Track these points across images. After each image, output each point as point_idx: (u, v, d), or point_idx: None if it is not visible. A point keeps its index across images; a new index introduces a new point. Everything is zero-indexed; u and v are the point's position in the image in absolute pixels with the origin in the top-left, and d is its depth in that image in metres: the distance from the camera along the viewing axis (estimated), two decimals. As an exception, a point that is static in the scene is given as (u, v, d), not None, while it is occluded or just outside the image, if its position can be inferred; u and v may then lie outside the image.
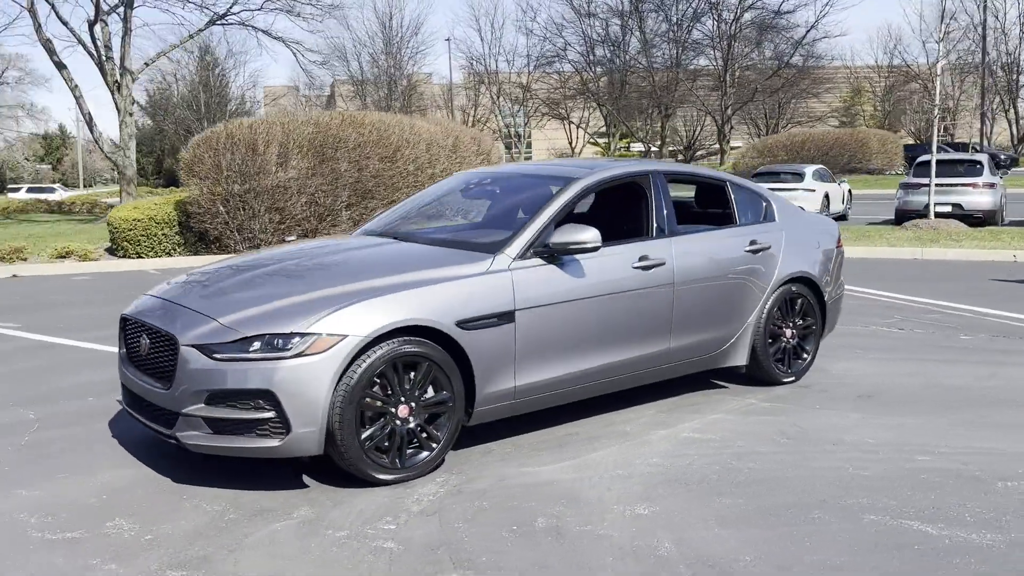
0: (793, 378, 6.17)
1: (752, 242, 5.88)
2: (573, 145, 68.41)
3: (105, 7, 21.72)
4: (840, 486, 4.26)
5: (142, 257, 14.64)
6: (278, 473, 4.49)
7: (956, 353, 7.11)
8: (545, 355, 4.82)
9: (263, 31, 24.71)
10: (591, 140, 69.09)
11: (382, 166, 16.36)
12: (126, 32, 22.32)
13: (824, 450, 4.80)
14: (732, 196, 6.07)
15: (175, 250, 14.99)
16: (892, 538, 3.67)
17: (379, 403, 4.25)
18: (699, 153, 70.59)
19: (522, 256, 4.80)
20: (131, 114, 22.37)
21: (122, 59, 22.17)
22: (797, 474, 4.43)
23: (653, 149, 60.05)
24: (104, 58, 22.21)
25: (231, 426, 4.11)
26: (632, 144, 71.85)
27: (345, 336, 4.11)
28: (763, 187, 6.55)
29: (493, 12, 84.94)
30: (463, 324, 4.45)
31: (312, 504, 4.11)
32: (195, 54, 67.99)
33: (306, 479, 4.43)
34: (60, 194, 50.20)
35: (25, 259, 14.30)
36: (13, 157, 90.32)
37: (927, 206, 17.83)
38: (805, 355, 6.28)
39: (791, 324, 6.15)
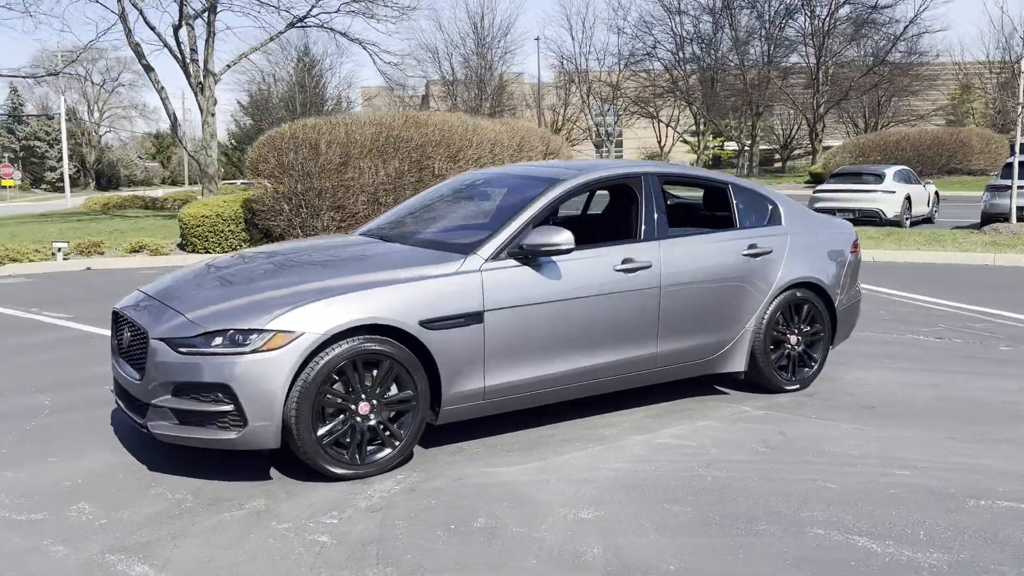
0: (798, 386, 6.01)
1: (751, 246, 5.75)
2: (662, 144, 67.68)
3: (191, 12, 22.61)
4: (800, 498, 4.14)
5: (209, 252, 15.17)
6: (251, 464, 4.63)
7: (990, 365, 6.79)
8: (517, 356, 4.83)
9: (341, 33, 25.34)
10: (681, 139, 68.18)
11: (444, 165, 16.54)
12: (209, 36, 23.19)
13: (801, 461, 4.67)
14: (733, 199, 5.95)
15: (241, 246, 15.50)
16: (831, 554, 3.56)
17: (338, 399, 4.34)
18: (795, 152, 68.89)
19: (495, 257, 4.82)
20: (212, 114, 23.23)
21: (205, 62, 23.05)
22: (761, 485, 4.32)
23: (744, 148, 58.94)
24: (188, 61, 23.13)
25: (195, 417, 4.26)
26: (727, 143, 70.55)
27: (302, 333, 4.21)
28: (771, 190, 6.39)
29: (585, 11, 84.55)
30: (427, 324, 4.50)
31: (268, 496, 4.23)
32: (292, 56, 70.06)
33: (272, 472, 4.55)
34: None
35: (102, 253, 15.01)
36: (127, 155, 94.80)
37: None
38: (812, 363, 6.10)
39: (796, 331, 5.99)
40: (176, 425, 4.31)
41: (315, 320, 4.26)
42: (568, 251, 4.86)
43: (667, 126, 66.38)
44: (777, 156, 69.53)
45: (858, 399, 5.84)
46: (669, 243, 5.45)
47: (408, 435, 4.54)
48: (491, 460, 4.71)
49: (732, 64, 57.55)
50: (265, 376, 4.16)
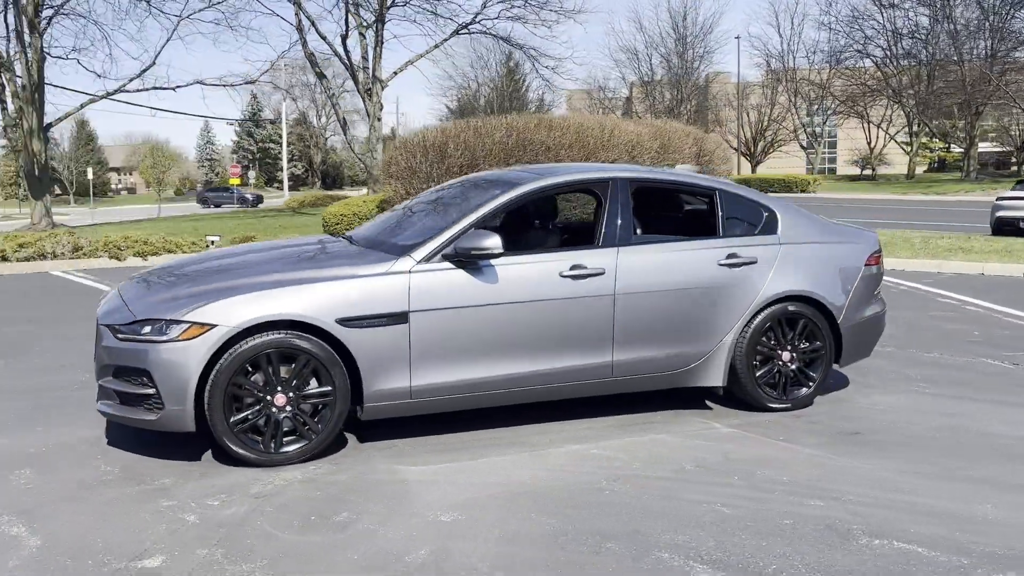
0: (788, 405, 5.65)
1: (731, 255, 5.48)
2: (872, 145, 63.78)
3: (361, 22, 23.92)
4: (678, 521, 3.96)
5: (345, 249, 16.08)
6: (199, 445, 4.95)
7: (1046, 396, 6.08)
8: (447, 358, 4.90)
9: (502, 38, 25.89)
10: (892, 140, 63.90)
11: (576, 168, 16.61)
12: (377, 44, 24.43)
13: (718, 483, 4.43)
14: (720, 206, 5.68)
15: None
16: (652, 579, 3.41)
17: (253, 390, 4.59)
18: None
19: (428, 260, 4.91)
20: (379, 119, 24.47)
21: (373, 69, 24.31)
22: (652, 503, 4.16)
23: (956, 149, 54.33)
24: (357, 68, 24.50)
25: (129, 399, 4.66)
26: (953, 146, 65.31)
27: (215, 325, 4.50)
28: (773, 198, 6.02)
29: (794, 6, 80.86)
30: (346, 321, 4.66)
31: (181, 476, 4.55)
32: (497, 60, 71.98)
33: (207, 455, 4.87)
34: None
35: (253, 247, 16.23)
36: (351, 157, 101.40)
37: None
38: (809, 383, 5.71)
39: (790, 347, 5.64)
40: (117, 405, 4.72)
41: (229, 314, 4.53)
42: (496, 255, 4.88)
43: (877, 127, 62.49)
44: (1013, 159, 63.56)
45: (849, 424, 5.41)
46: (630, 250, 5.30)
47: (325, 429, 4.72)
48: (408, 458, 4.81)
49: (951, 60, 53.30)
50: (179, 364, 4.48)
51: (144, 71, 24.75)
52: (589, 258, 5.20)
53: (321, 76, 24.39)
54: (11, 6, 22.48)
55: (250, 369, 4.60)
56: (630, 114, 68.73)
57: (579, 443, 5.05)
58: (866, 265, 5.91)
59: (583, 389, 5.30)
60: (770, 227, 5.72)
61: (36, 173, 24.15)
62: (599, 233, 5.34)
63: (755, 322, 5.52)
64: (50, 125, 25.17)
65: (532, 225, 6.19)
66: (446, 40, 25.48)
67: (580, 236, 6.07)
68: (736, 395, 5.69)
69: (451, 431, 5.24)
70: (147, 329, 4.58)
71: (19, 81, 23.31)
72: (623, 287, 5.21)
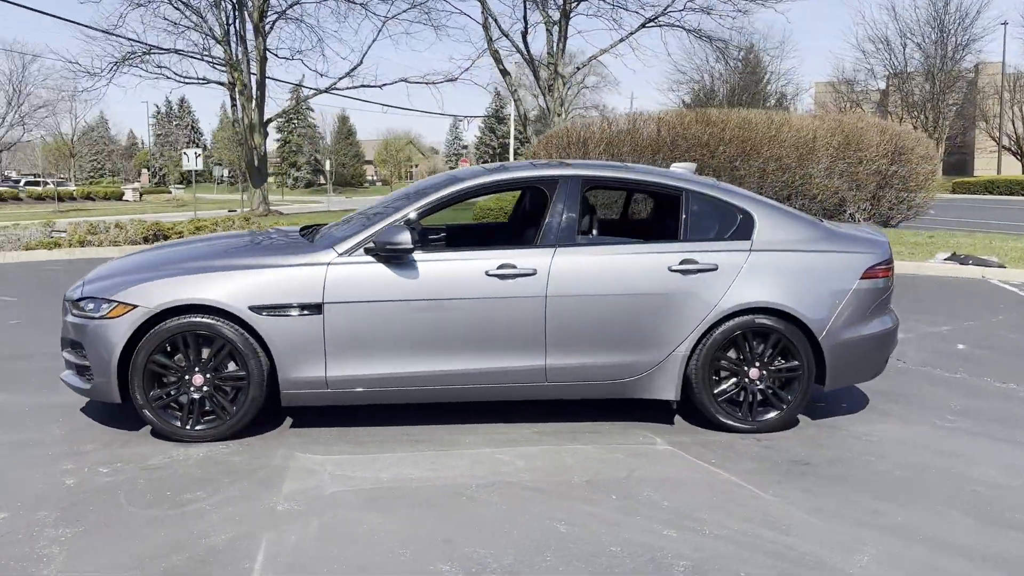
0: (752, 427, 5.17)
1: (685, 260, 5.09)
2: None
3: (548, 18, 24.13)
4: (501, 535, 3.78)
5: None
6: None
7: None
8: (364, 351, 4.94)
9: (689, 30, 25.06)
10: None
11: (735, 164, 15.87)
12: (560, 39, 24.51)
13: (589, 500, 4.17)
14: (685, 207, 5.27)
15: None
16: (401, 590, 3.30)
17: (172, 369, 4.88)
18: None
19: (349, 253, 4.98)
20: (559, 115, 24.56)
21: (555, 65, 24.44)
22: (496, 515, 3.99)
23: None
24: (539, 65, 24.74)
25: (78, 369, 5.10)
26: None
27: (136, 306, 4.83)
28: (763, 201, 5.48)
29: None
30: (258, 309, 4.84)
31: (107, 443, 4.94)
32: (731, 55, 69.96)
33: (147, 428, 5.23)
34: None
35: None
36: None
37: None
38: (781, 404, 5.19)
39: (758, 364, 5.15)
40: (72, 375, 5.18)
41: (150, 296, 4.85)
42: (406, 250, 4.86)
43: None
44: None
45: (808, 453, 4.87)
46: (568, 252, 5.07)
47: (239, 412, 4.92)
48: (318, 446, 4.90)
49: None
50: (105, 339, 4.85)
51: (353, 70, 26.50)
52: (522, 258, 5.03)
53: (505, 73, 24.93)
54: (238, 13, 24.87)
55: (170, 349, 4.88)
56: (884, 108, 64.25)
57: (494, 447, 4.92)
58: (863, 277, 5.25)
59: (513, 392, 5.14)
60: (742, 232, 5.24)
61: (256, 164, 26.55)
62: (538, 233, 5.15)
63: (714, 334, 5.09)
64: (269, 120, 27.56)
65: (507, 222, 6.07)
66: (632, 34, 25.17)
67: (504, 234, 5.92)
68: (696, 412, 5.28)
69: (387, 424, 5.28)
70: (90, 306, 4.98)
71: (248, 80, 25.70)
72: (556, 290, 4.99)
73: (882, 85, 69.45)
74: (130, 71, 25.81)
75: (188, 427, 4.93)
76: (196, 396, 4.91)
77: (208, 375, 4.90)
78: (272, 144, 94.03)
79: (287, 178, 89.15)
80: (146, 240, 14.75)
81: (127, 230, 14.93)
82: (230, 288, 4.86)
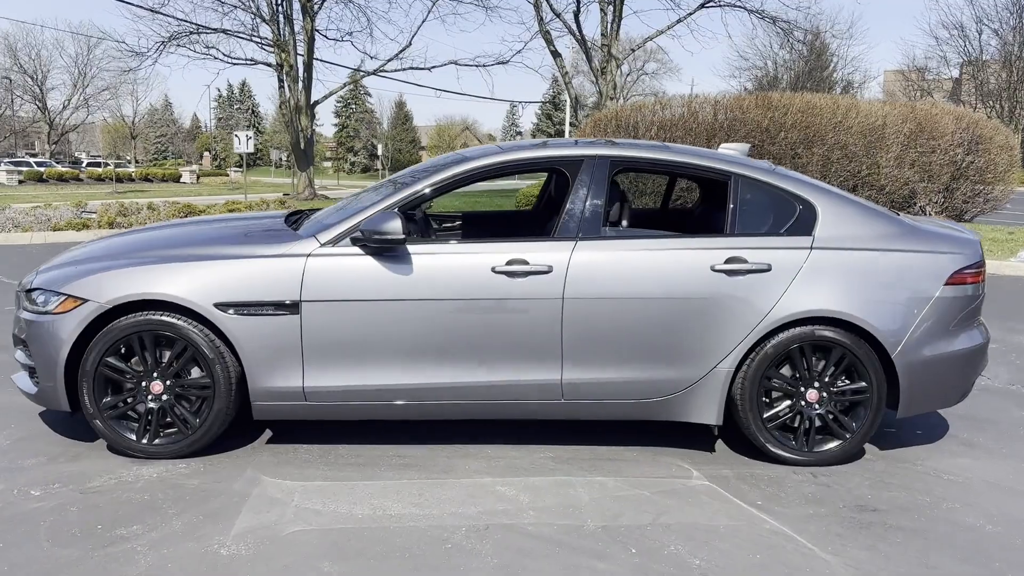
0: (808, 459, 4.33)
1: (732, 259, 4.25)
2: None
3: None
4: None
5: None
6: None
7: None
8: (348, 358, 4.22)
9: (752, 11, 23.78)
10: None
11: (796, 151, 14.82)
12: (615, 19, 23.49)
13: (599, 553, 3.38)
14: (734, 195, 4.43)
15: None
16: None
17: (127, 374, 4.22)
18: None
19: (334, 243, 4.25)
20: (612, 98, 23.57)
21: (608, 46, 23.44)
22: (479, 567, 3.24)
23: None
24: (592, 46, 23.77)
25: (30, 371, 4.47)
26: None
27: (86, 300, 4.17)
28: (827, 189, 4.61)
29: None
30: (225, 306, 4.15)
31: (52, 457, 4.31)
32: (795, 38, 67.73)
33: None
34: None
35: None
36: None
37: None
38: (844, 433, 4.34)
39: (818, 384, 4.31)
40: (24, 376, 4.53)
41: (102, 289, 4.18)
42: (396, 242, 4.11)
43: None
44: None
45: (876, 497, 4.01)
46: (591, 245, 4.27)
47: (204, 424, 4.24)
48: (291, 469, 4.20)
49: None
50: (51, 337, 4.20)
51: (401, 51, 25.85)
52: (535, 253, 4.25)
53: (556, 55, 23.99)
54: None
55: (125, 351, 4.22)
56: (956, 97, 61.60)
57: (496, 475, 4.16)
58: (949, 283, 4.36)
59: (522, 411, 4.37)
60: (802, 226, 4.38)
61: (302, 147, 26.11)
62: (556, 223, 4.36)
63: (766, 347, 4.25)
64: (316, 102, 27.09)
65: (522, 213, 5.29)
66: (691, 14, 23.94)
67: (521, 224, 5.13)
68: (743, 438, 4.46)
69: (378, 441, 4.58)
70: (40, 299, 4.34)
71: (295, 61, 25.24)
72: (575, 291, 4.20)
73: (955, 73, 66.82)
74: (177, 51, 25.48)
75: (145, 441, 4.26)
76: (155, 406, 4.24)
77: (169, 382, 4.23)
78: (330, 129, 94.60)
79: (344, 163, 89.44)
80: (177, 223, 14.32)
81: (159, 212, 14.47)
82: (193, 281, 4.17)
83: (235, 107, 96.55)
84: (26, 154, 67.40)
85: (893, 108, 16.45)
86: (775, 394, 4.36)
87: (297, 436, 4.61)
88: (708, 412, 4.32)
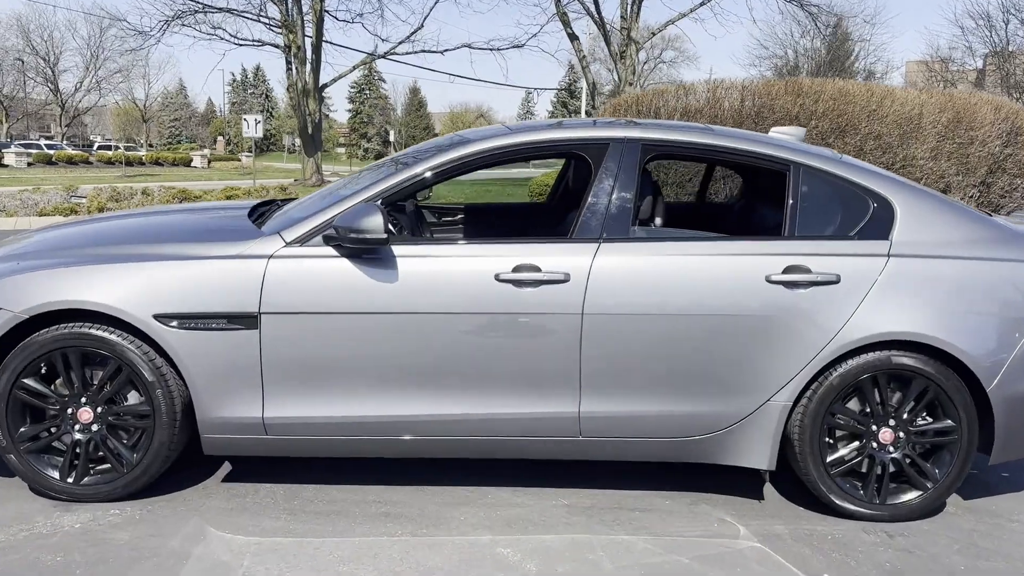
0: (881, 513, 3.53)
1: (792, 268, 3.44)
2: None
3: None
4: None
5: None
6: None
7: None
8: (318, 383, 3.45)
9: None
10: None
11: (828, 141, 13.92)
12: (634, 1, 22.55)
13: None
14: (793, 188, 3.61)
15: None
16: None
17: (49, 399, 3.46)
18: None
19: (302, 242, 3.47)
20: (630, 83, 22.67)
21: (628, 29, 22.53)
22: None
23: None
24: (611, 29, 22.86)
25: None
26: None
27: (0, 308, 3.41)
28: (902, 182, 3.81)
29: None
30: (167, 318, 3.38)
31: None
32: (822, 22, 66.44)
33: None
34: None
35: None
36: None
37: None
38: (926, 482, 3.54)
39: (895, 422, 3.51)
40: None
41: (19, 295, 3.42)
42: (376, 242, 3.33)
43: None
44: None
45: (970, 567, 3.21)
46: (617, 248, 3.48)
47: (143, 460, 3.48)
48: (248, 518, 3.43)
49: None
50: (-43, 355, 3.44)
51: (413, 33, 25.04)
52: (549, 257, 3.45)
53: (573, 38, 23.08)
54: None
55: (47, 370, 3.46)
56: (981, 88, 60.28)
57: (497, 531, 3.37)
58: (1060, 299, 3.54)
59: (531, 449, 3.58)
60: (876, 227, 3.57)
61: (310, 131, 25.35)
62: (575, 220, 3.56)
63: (831, 377, 3.46)
64: (325, 85, 26.30)
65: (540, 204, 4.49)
66: (716, -3, 22.93)
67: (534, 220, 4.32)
68: (800, 484, 3.66)
69: (356, 481, 3.81)
70: (-49, 306, 3.57)
71: (302, 42, 24.48)
72: (597, 304, 3.41)
73: (980, 64, 65.51)
74: (182, 30, 24.72)
75: (70, 481, 3.50)
76: (83, 438, 3.49)
77: (100, 409, 3.47)
78: (343, 115, 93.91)
79: (357, 149, 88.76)
80: (171, 209, 13.57)
81: (153, 197, 13.74)
82: (129, 287, 3.40)
83: (249, 92, 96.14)
84: (40, 137, 67.03)
85: (930, 97, 15.49)
86: (840, 433, 3.56)
87: (259, 471, 3.85)
88: (759, 454, 3.52)
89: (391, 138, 64.95)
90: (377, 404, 3.46)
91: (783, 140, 3.92)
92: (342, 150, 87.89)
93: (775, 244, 3.52)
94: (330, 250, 3.45)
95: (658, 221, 3.90)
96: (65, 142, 63.07)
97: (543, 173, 15.05)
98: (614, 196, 3.54)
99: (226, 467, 3.90)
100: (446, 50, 25.39)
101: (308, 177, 25.36)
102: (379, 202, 3.50)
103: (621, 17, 22.83)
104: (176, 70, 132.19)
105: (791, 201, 3.59)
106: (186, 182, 26.49)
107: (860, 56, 69.48)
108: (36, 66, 65.00)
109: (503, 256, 3.44)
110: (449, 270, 3.44)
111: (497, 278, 3.40)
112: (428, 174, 3.61)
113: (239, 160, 69.58)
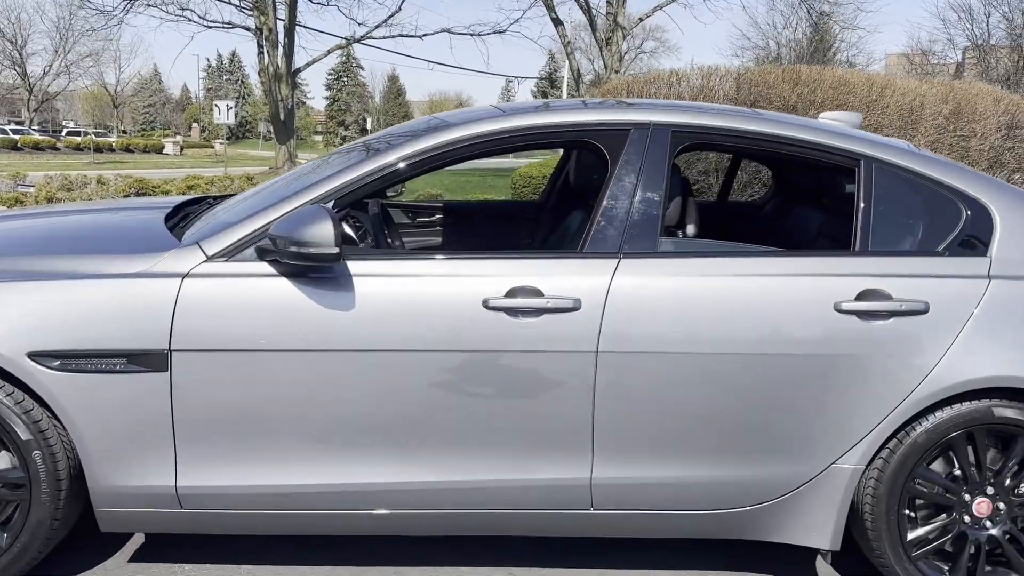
0: (975, 608, 2.76)
1: (867, 292, 2.65)
2: None
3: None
4: None
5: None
6: None
7: None
8: (248, 442, 2.62)
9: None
10: None
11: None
12: (620, -15, 21.75)
13: None
14: (866, 189, 2.81)
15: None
16: None
17: None
18: None
19: (228, 256, 2.63)
20: (616, 71, 21.86)
21: (614, 14, 21.72)
22: None
23: None
24: (596, 13, 22.05)
25: None
26: None
27: None
28: (998, 183, 3.03)
29: None
30: (47, 357, 2.54)
31: None
32: (814, 8, 65.80)
33: None
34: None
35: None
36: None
37: None
38: (1033, 566, 2.77)
39: (995, 491, 2.73)
40: None
41: None
42: (325, 256, 2.50)
43: None
44: None
45: None
46: (642, 266, 2.67)
47: (17, 543, 2.65)
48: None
49: None
50: None
51: (390, 16, 24.08)
52: (554, 277, 2.64)
53: (557, 23, 22.21)
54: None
55: None
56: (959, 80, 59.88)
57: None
58: None
59: (531, 524, 2.78)
60: (973, 241, 2.78)
61: (282, 118, 24.39)
62: (588, 229, 2.75)
63: (915, 433, 2.68)
64: (298, 70, 25.31)
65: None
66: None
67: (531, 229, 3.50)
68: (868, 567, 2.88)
69: (303, 560, 2.96)
70: None
71: (274, 24, 23.49)
72: (617, 340, 2.60)
73: (957, 58, 65.39)
74: (147, 10, 23.64)
75: (-74, 570, 2.65)
76: (-63, 512, 2.63)
77: (-41, 477, 2.62)
78: (321, 102, 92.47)
79: (335, 137, 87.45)
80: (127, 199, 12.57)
81: (109, 186, 12.78)
82: (5, 317, 2.55)
83: (224, 78, 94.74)
84: (10, 122, 65.18)
85: (931, 87, 14.81)
86: (924, 504, 2.78)
87: (179, 546, 3.01)
88: (820, 530, 2.74)
89: (368, 126, 63.73)
90: (327, 469, 2.64)
91: (848, 129, 3.12)
92: (319, 138, 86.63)
93: (845, 262, 2.73)
94: (266, 267, 2.62)
95: (691, 230, 3.10)
96: (35, 127, 61.42)
97: (527, 163, 14.16)
98: (637, 198, 2.73)
99: (137, 540, 3.06)
100: (425, 35, 24.46)
101: (281, 165, 24.38)
102: (331, 203, 2.66)
103: (607, 2, 22.00)
104: (149, 55, 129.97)
105: (863, 205, 2.79)
106: (152, 170, 25.49)
107: (842, 49, 69.16)
108: (3, 49, 63.22)
109: (494, 275, 2.63)
110: (423, 294, 2.62)
111: (486, 305, 2.59)
112: (401, 165, 2.78)
113: (212, 147, 68.21)
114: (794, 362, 2.64)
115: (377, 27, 24.60)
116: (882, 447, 2.70)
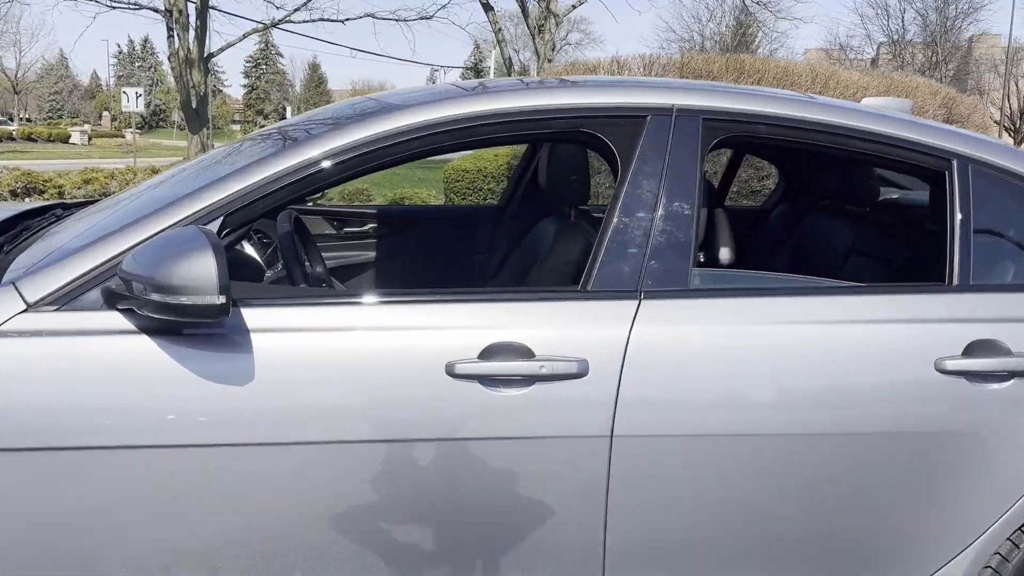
0: None
1: (975, 346, 1.91)
2: None
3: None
4: None
5: (468, 210, 13.20)
6: None
7: None
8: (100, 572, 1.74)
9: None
10: None
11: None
12: (552, -28, 20.99)
13: None
14: (962, 200, 2.07)
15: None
16: None
17: None
18: None
19: (61, 303, 1.74)
20: (549, 60, 21.13)
21: (548, 1, 20.97)
22: None
23: None
24: (528, 1, 21.29)
25: None
26: None
27: None
28: None
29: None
30: None
31: None
32: (722, 14, 66.23)
33: None
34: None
35: (371, 199, 13.72)
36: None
37: None
38: None
39: None
40: None
41: None
42: (208, 311, 1.62)
43: None
44: None
45: None
46: (672, 309, 1.87)
47: None
48: None
49: None
50: None
51: (309, 0, 22.87)
52: (547, 328, 1.82)
53: (487, 8, 21.33)
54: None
55: None
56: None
57: None
58: None
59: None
60: (1107, 268, 2.06)
61: (194, 106, 22.99)
62: (594, 259, 1.93)
63: (1042, 534, 1.94)
64: (211, 55, 23.92)
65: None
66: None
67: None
68: None
69: None
70: None
71: (184, 6, 22.09)
72: (638, 419, 1.81)
73: (872, 53, 66.82)
74: (43, -11, 21.91)
75: None
76: None
77: None
78: (238, 90, 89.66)
79: (253, 126, 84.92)
80: (13, 195, 11.28)
81: (-7, 181, 11.48)
82: None
83: (136, 64, 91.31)
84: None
85: (872, 79, 14.52)
86: (1045, 625, 2.06)
87: None
88: (904, 666, 1.99)
89: (288, 115, 62.02)
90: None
91: (933, 123, 2.38)
92: (237, 127, 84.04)
93: (944, 297, 1.98)
94: (119, 320, 1.74)
95: (724, 255, 2.31)
96: (-74, 115, 57.85)
97: (460, 155, 13.25)
98: (660, 213, 1.93)
99: None
100: (347, 19, 23.27)
101: (193, 156, 22.96)
102: (218, 221, 1.79)
103: (546, -8, 21.23)
104: (53, 38, 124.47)
105: (958, 219, 2.04)
106: (53, 160, 23.83)
107: (764, 43, 70.00)
108: None
109: (462, 327, 1.80)
110: (358, 357, 1.78)
111: (451, 372, 1.76)
112: (326, 164, 1.91)
113: (123, 137, 65.33)
114: (879, 442, 1.90)
115: (296, 11, 23.35)
116: (999, 550, 1.97)
